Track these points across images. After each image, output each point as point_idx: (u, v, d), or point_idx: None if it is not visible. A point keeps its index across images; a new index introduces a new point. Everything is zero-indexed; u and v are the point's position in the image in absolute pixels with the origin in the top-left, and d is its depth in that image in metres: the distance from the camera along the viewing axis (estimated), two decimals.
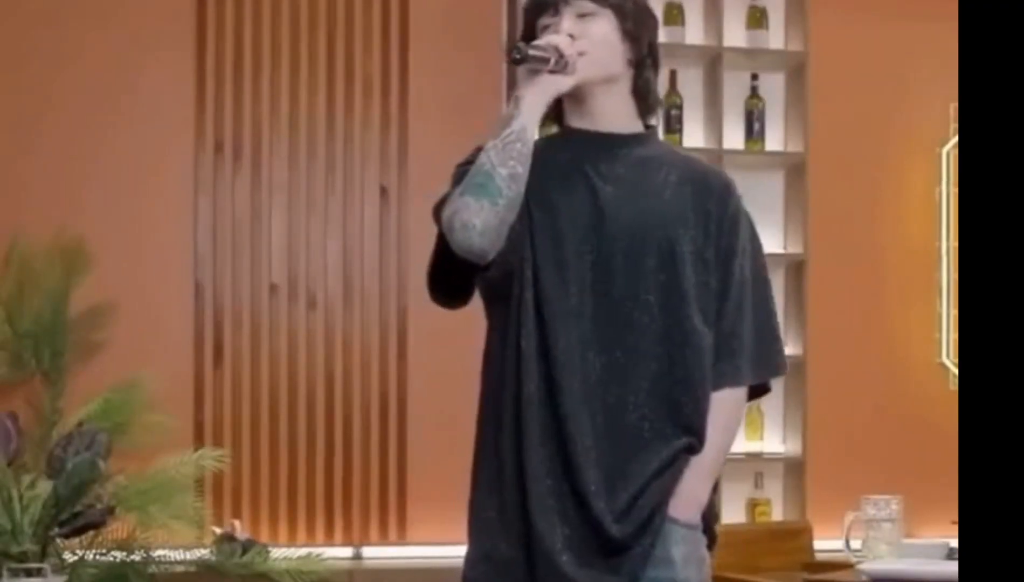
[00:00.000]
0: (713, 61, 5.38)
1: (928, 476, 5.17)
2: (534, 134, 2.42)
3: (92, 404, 4.33)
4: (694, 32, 5.41)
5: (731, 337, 2.53)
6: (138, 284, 4.95)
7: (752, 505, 5.37)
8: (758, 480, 5.37)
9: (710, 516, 2.56)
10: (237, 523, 4.76)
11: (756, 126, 5.44)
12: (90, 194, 4.98)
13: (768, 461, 5.40)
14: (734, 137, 5.40)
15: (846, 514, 4.97)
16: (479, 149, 2.46)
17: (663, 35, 5.32)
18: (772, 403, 5.43)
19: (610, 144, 2.53)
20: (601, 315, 2.46)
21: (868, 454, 5.44)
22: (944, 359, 5.59)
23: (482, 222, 2.35)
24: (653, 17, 2.60)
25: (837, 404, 5.42)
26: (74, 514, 4.01)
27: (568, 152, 2.52)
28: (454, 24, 5.13)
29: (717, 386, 2.51)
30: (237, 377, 5.08)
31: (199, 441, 4.91)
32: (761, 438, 5.40)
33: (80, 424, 4.17)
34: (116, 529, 4.14)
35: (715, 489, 2.58)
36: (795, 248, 5.42)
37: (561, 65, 2.41)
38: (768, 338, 2.60)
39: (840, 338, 5.46)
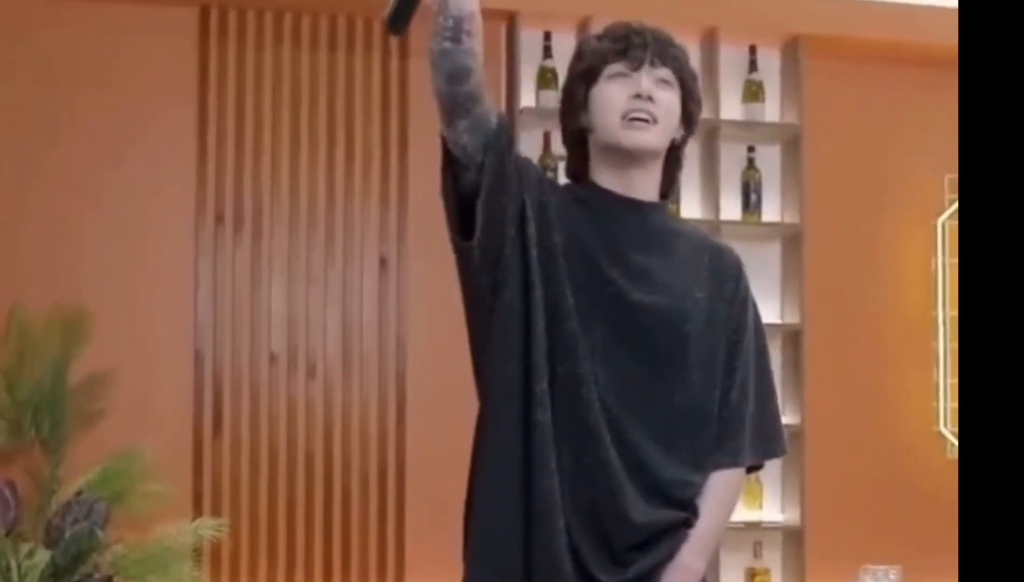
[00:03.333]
0: (710, 133, 5.42)
1: (927, 545, 5.17)
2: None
3: (91, 473, 4.32)
4: None
5: (735, 418, 2.55)
6: (138, 353, 4.96)
7: (751, 574, 5.36)
8: (757, 549, 5.36)
9: None
10: None
11: (753, 197, 5.47)
12: (90, 263, 5.00)
13: (767, 530, 5.39)
14: (731, 208, 5.43)
15: None
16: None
17: None
18: (771, 472, 5.44)
19: (635, 211, 2.53)
20: (611, 387, 2.45)
21: (867, 523, 5.44)
22: (941, 428, 5.60)
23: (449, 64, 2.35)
24: (701, 102, 2.65)
25: (835, 473, 5.41)
26: None
27: (595, 211, 2.51)
28: None
29: (719, 465, 2.53)
30: (236, 446, 5.08)
31: (198, 510, 4.90)
32: (760, 507, 5.40)
33: (79, 493, 4.17)
34: None
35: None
36: (792, 318, 5.44)
37: None
38: (770, 419, 2.63)
39: (838, 407, 5.47)
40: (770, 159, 5.56)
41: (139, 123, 5.08)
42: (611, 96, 2.51)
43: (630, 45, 2.53)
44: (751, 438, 2.58)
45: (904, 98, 5.59)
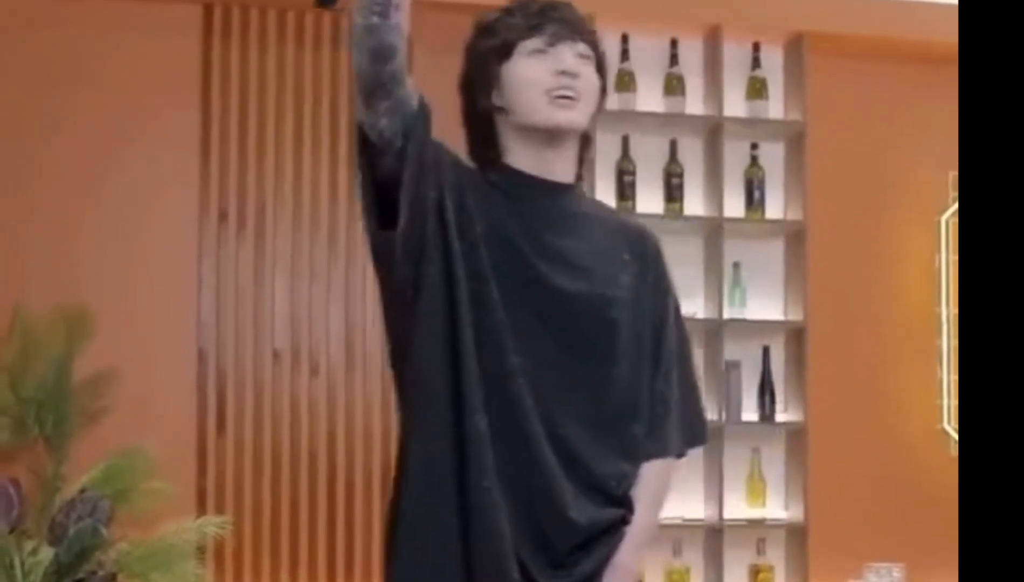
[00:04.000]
0: (713, 131, 5.42)
1: (930, 543, 5.17)
2: None
3: (94, 470, 4.33)
4: (695, 102, 5.46)
5: (662, 407, 2.46)
6: (141, 351, 4.96)
7: (755, 572, 5.36)
8: (760, 546, 5.35)
9: None
10: None
11: (756, 195, 5.47)
12: (93, 261, 5.00)
13: (770, 527, 5.39)
14: (734, 205, 5.43)
15: (849, 581, 4.96)
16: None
17: (664, 104, 5.40)
18: (774, 469, 5.44)
19: (554, 194, 2.41)
20: (540, 380, 2.34)
21: (870, 521, 5.44)
22: (945, 425, 5.60)
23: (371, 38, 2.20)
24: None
25: (839, 470, 5.41)
26: (76, 581, 4.00)
27: (515, 200, 2.39)
28: (456, 94, 5.16)
29: (649, 456, 2.45)
30: (240, 443, 5.08)
31: (201, 508, 4.91)
32: (763, 504, 5.40)
33: (82, 490, 4.18)
34: None
35: None
36: (795, 315, 5.44)
37: None
38: (694, 406, 2.53)
39: (841, 405, 5.47)
40: (773, 156, 5.56)
41: (142, 121, 5.08)
42: (533, 73, 2.36)
43: (547, 19, 2.39)
44: (679, 427, 2.48)
45: (908, 95, 5.59)
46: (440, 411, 2.31)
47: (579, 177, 2.49)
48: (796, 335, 5.44)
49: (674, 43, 5.45)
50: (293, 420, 5.12)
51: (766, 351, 5.46)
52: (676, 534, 5.28)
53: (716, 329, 5.35)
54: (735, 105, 5.47)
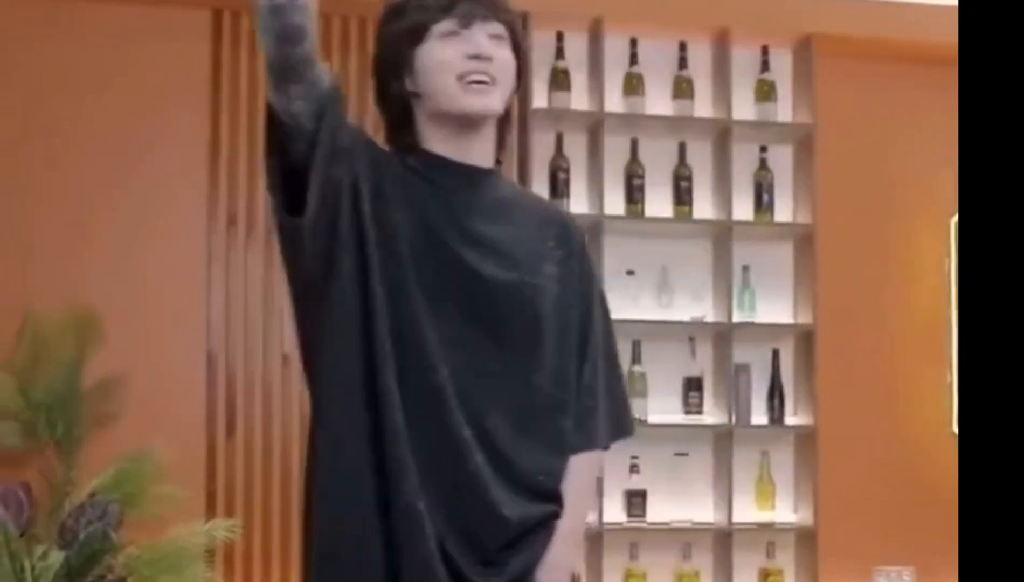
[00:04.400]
0: (722, 134, 5.42)
1: (941, 546, 5.15)
2: None
3: (104, 475, 4.34)
4: (703, 105, 5.46)
5: (589, 399, 2.38)
6: (151, 355, 4.97)
7: (764, 575, 5.35)
8: (770, 550, 5.35)
9: None
10: None
11: (765, 198, 5.47)
12: (103, 266, 5.01)
13: (780, 531, 5.38)
14: (743, 209, 5.43)
15: None
16: None
17: (673, 108, 5.40)
18: (784, 472, 5.43)
19: (475, 180, 2.34)
20: (464, 372, 2.26)
21: (880, 524, 5.43)
22: (955, 428, 5.59)
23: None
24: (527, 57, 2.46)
25: (849, 473, 5.41)
26: None
27: (431, 182, 2.31)
28: None
29: (576, 449, 2.37)
30: (249, 447, 5.09)
31: (211, 511, 4.91)
32: (773, 508, 5.39)
33: (92, 494, 4.19)
34: None
35: None
36: (805, 318, 5.44)
37: None
38: (620, 398, 2.46)
39: (851, 407, 5.46)
40: (782, 159, 5.55)
41: (152, 126, 5.08)
42: (445, 57, 2.28)
43: (458, 0, 2.29)
44: (606, 419, 2.41)
45: (917, 97, 5.57)
46: (355, 407, 2.21)
47: (498, 161, 2.40)
48: (805, 338, 5.44)
49: (683, 46, 5.44)
50: (302, 423, 5.12)
51: (775, 354, 5.46)
52: (685, 537, 5.28)
53: (725, 332, 5.35)
54: (744, 108, 5.46)
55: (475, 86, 2.28)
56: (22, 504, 4.10)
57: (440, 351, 2.23)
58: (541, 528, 2.33)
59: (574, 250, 2.40)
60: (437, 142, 2.33)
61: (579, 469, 2.38)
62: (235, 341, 5.12)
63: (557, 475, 2.34)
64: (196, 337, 5.09)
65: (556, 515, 2.35)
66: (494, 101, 2.30)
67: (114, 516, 4.12)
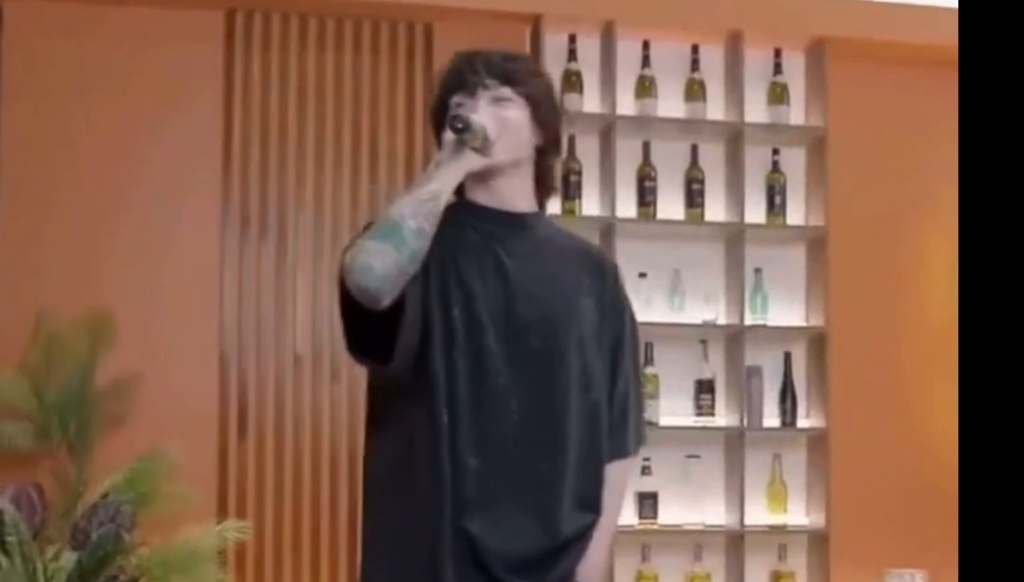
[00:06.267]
0: (735, 136, 5.42)
1: (953, 549, 5.12)
2: (445, 201, 2.47)
3: (117, 475, 4.35)
4: (715, 108, 5.46)
5: (623, 413, 2.67)
6: (163, 356, 4.98)
7: (776, 578, 5.35)
8: (782, 552, 5.34)
9: None
10: None
11: (777, 200, 5.47)
12: (116, 267, 5.02)
13: (792, 533, 5.38)
14: (756, 211, 5.43)
15: None
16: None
17: (685, 110, 5.40)
18: (796, 475, 5.43)
19: (513, 223, 2.62)
20: (523, 403, 2.54)
21: (892, 527, 5.42)
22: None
23: (382, 265, 2.35)
24: (559, 106, 2.73)
25: (860, 477, 5.40)
26: None
27: (477, 230, 2.59)
28: None
29: (611, 458, 2.65)
30: (261, 448, 5.09)
31: (223, 512, 4.92)
32: (785, 510, 5.38)
33: (105, 495, 4.20)
34: None
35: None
36: (816, 321, 5.43)
37: (485, 146, 2.48)
38: (640, 412, 2.74)
39: (863, 410, 5.45)
40: (795, 162, 5.55)
41: (165, 127, 5.09)
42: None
43: (464, 74, 2.59)
44: (634, 432, 2.71)
45: (929, 100, 5.56)
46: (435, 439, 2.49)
47: (541, 204, 2.69)
48: (818, 341, 5.43)
49: (695, 49, 5.44)
50: (314, 424, 5.13)
51: (787, 357, 5.45)
52: (697, 540, 5.28)
53: (737, 335, 5.34)
54: (756, 111, 5.46)
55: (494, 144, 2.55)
56: (35, 505, 4.12)
57: (504, 386, 2.54)
58: (584, 535, 2.60)
59: (608, 282, 2.68)
60: (474, 191, 2.62)
61: (614, 475, 2.65)
62: (248, 342, 5.13)
63: (600, 487, 2.61)
64: (209, 338, 5.10)
65: (595, 523, 2.61)
66: (490, 157, 2.54)
67: (126, 517, 4.13)
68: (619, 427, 2.66)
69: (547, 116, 2.64)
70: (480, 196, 2.61)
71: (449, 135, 2.47)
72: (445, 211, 2.49)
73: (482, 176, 2.57)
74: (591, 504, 2.59)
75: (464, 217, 2.58)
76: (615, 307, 2.67)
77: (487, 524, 2.46)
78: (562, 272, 2.63)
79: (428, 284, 2.48)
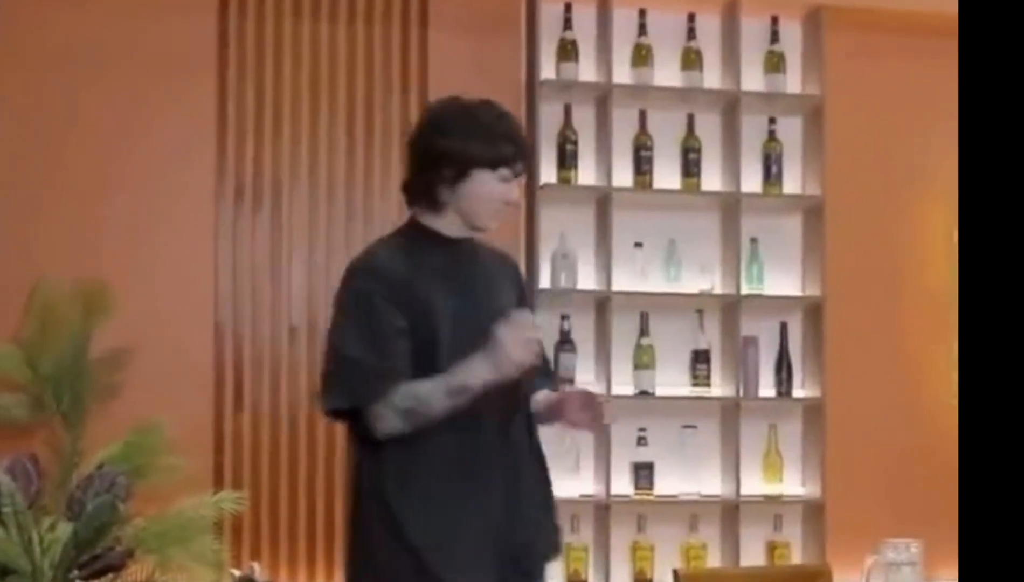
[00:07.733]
0: (731, 105, 5.40)
1: (949, 519, 5.13)
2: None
3: (112, 446, 4.34)
4: (712, 76, 5.44)
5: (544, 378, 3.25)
6: (158, 327, 4.97)
7: (771, 548, 5.36)
8: (777, 522, 5.35)
9: None
10: (256, 565, 4.77)
11: (774, 169, 5.45)
12: (111, 238, 5.01)
13: (787, 503, 5.38)
14: (752, 180, 5.41)
15: (866, 557, 4.95)
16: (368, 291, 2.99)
17: (681, 79, 5.38)
18: (791, 445, 5.43)
19: (464, 248, 3.10)
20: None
21: (888, 497, 5.43)
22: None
23: (403, 429, 2.92)
24: None
25: (856, 446, 5.41)
26: (94, 557, 4.02)
27: (442, 256, 3.05)
28: (474, 73, 5.16)
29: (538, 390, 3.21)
30: (257, 419, 5.09)
31: (218, 483, 4.92)
32: (780, 480, 5.39)
33: (100, 466, 4.19)
34: (135, 571, 4.15)
35: None
36: (813, 290, 5.43)
37: (529, 364, 2.93)
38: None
39: (859, 380, 5.45)
40: (791, 131, 5.53)
41: (159, 98, 5.07)
42: (493, 195, 3.02)
43: (518, 154, 3.02)
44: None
45: (927, 69, 5.54)
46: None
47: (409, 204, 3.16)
48: (814, 310, 5.43)
49: (691, 17, 5.42)
50: (309, 395, 5.12)
51: (783, 327, 5.45)
52: (693, 510, 5.28)
53: (733, 304, 5.34)
54: (753, 79, 5.44)
55: (496, 219, 3.08)
56: (30, 476, 4.11)
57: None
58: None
59: (520, 284, 3.26)
60: (436, 222, 3.08)
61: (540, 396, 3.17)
62: (243, 312, 5.13)
63: (537, 447, 3.16)
64: (204, 308, 5.09)
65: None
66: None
67: (122, 488, 4.12)
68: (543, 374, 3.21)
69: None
70: (439, 225, 3.07)
71: (518, 355, 2.87)
72: (407, 237, 3.07)
73: (465, 227, 3.06)
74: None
75: (416, 245, 3.06)
76: (522, 303, 3.19)
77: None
78: (496, 281, 3.14)
79: (414, 308, 2.98)
